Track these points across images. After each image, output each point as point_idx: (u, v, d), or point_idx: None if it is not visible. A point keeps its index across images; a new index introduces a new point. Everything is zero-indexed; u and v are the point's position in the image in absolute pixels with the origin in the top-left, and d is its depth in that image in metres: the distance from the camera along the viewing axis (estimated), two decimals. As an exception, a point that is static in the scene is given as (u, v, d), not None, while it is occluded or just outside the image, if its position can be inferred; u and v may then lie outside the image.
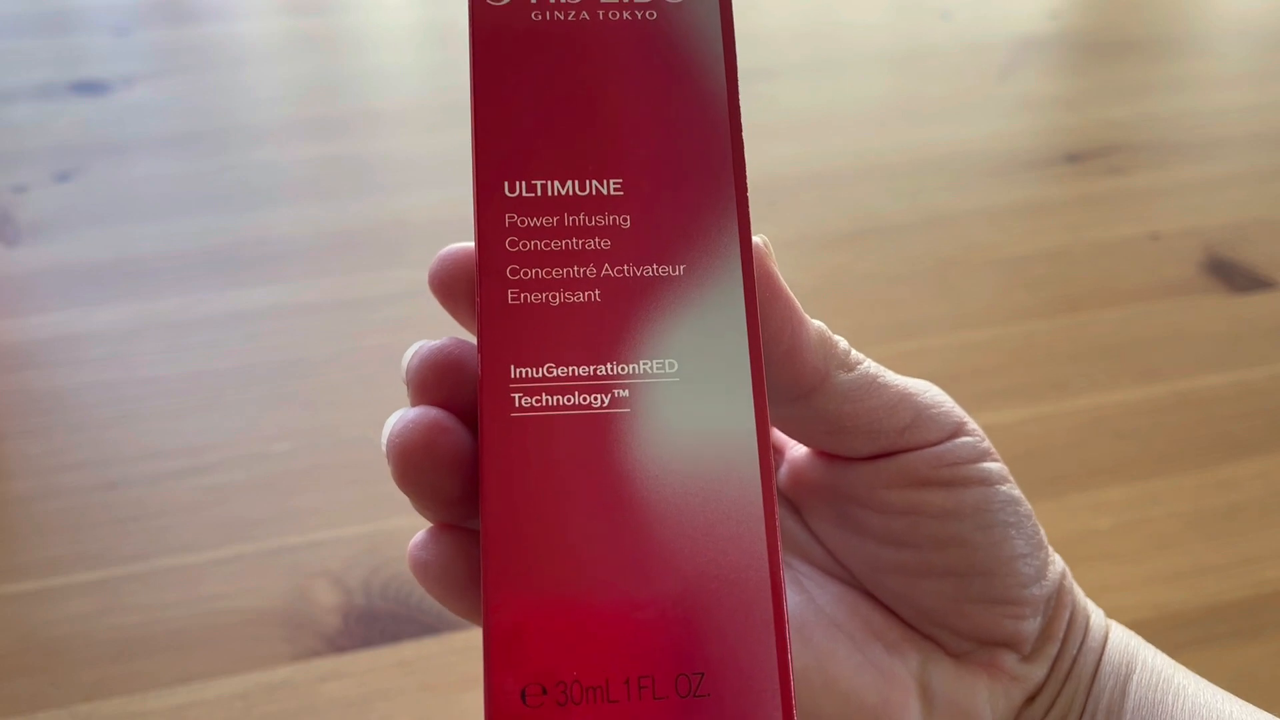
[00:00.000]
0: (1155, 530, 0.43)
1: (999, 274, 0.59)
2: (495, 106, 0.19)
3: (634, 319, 0.18)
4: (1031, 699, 0.23)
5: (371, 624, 0.39)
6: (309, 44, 0.86)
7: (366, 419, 0.48)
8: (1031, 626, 0.22)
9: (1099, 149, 0.71)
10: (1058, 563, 0.23)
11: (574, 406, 0.18)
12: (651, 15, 0.20)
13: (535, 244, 0.19)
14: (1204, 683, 0.23)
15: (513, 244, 0.19)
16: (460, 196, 0.64)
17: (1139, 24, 0.91)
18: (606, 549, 0.17)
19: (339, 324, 0.54)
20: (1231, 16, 0.95)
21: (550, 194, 0.19)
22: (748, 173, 0.19)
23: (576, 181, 0.19)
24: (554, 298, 0.18)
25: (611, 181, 0.19)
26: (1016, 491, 0.22)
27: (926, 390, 0.22)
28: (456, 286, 0.20)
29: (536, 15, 0.19)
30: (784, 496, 0.25)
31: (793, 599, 0.23)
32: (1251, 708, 0.22)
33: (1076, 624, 0.23)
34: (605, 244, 0.19)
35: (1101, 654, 0.23)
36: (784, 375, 0.21)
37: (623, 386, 0.18)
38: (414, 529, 0.43)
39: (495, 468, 0.18)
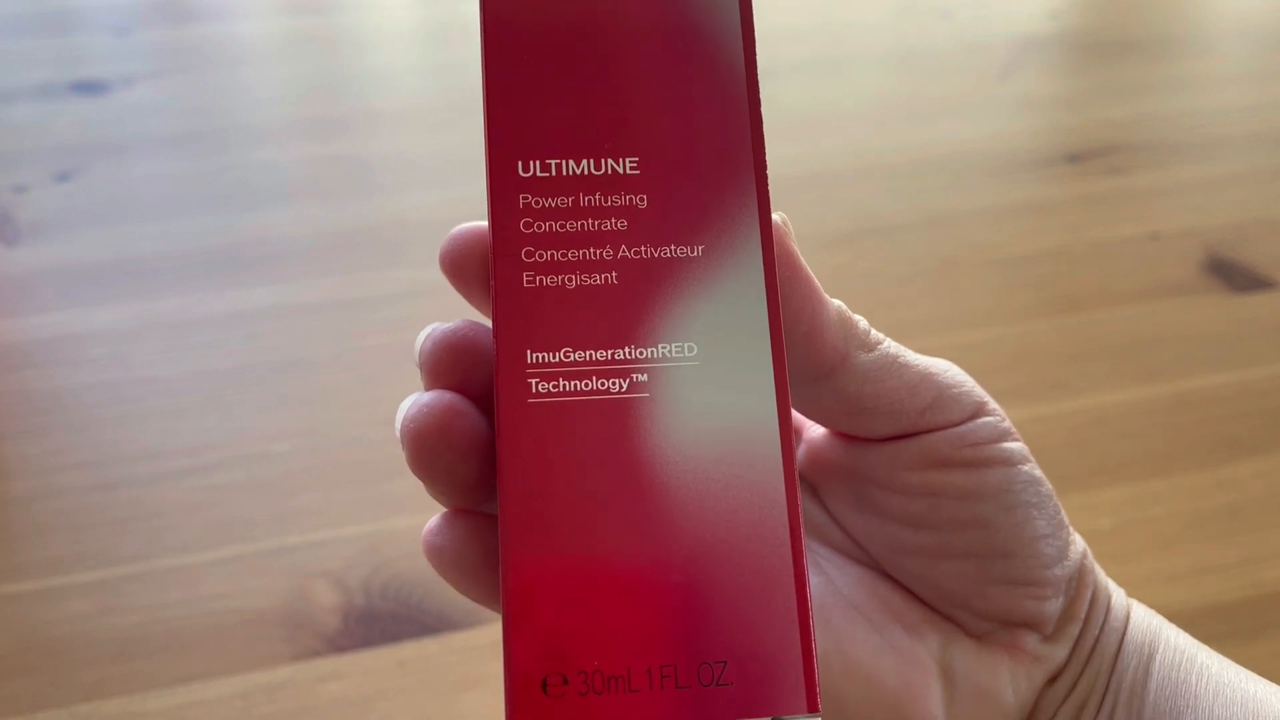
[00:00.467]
0: (1155, 530, 0.43)
1: (999, 274, 0.59)
2: (507, 83, 0.19)
3: (652, 301, 0.18)
4: (1053, 679, 0.22)
5: (371, 624, 0.39)
6: (309, 44, 0.86)
7: (366, 419, 0.48)
8: (1054, 607, 0.22)
9: (1099, 149, 0.71)
10: (1079, 543, 0.23)
11: (592, 391, 0.18)
12: None
13: (550, 225, 0.18)
14: (1227, 662, 0.22)
15: (527, 225, 0.18)
16: (461, 196, 0.64)
17: (1139, 24, 0.91)
18: (626, 536, 0.17)
19: (339, 324, 0.54)
20: (1231, 16, 0.95)
21: (565, 173, 0.18)
22: None
23: (592, 160, 0.19)
24: (570, 280, 0.18)
25: (627, 160, 0.19)
26: (1038, 471, 0.22)
27: (947, 370, 0.22)
28: (468, 266, 0.19)
29: None
30: (802, 477, 0.24)
31: (811, 581, 0.23)
32: (1276, 686, 0.22)
33: (1098, 604, 0.23)
34: (622, 224, 0.18)
35: (1124, 634, 0.23)
36: (804, 356, 0.20)
37: (641, 371, 0.18)
38: (414, 529, 0.43)
39: (513, 455, 0.17)
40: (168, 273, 0.58)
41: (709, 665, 0.17)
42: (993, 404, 0.22)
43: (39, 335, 0.53)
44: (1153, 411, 0.49)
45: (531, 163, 0.18)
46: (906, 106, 0.77)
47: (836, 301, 0.21)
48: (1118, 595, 0.24)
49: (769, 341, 0.18)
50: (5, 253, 0.59)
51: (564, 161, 0.19)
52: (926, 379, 0.21)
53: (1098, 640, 0.23)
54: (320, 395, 0.50)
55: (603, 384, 0.18)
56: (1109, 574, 0.24)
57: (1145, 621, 0.23)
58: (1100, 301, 0.57)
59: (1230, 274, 0.59)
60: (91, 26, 0.87)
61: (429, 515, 0.20)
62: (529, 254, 0.18)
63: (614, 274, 0.18)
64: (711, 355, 0.18)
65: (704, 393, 0.18)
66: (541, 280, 0.18)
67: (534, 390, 0.18)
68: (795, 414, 0.24)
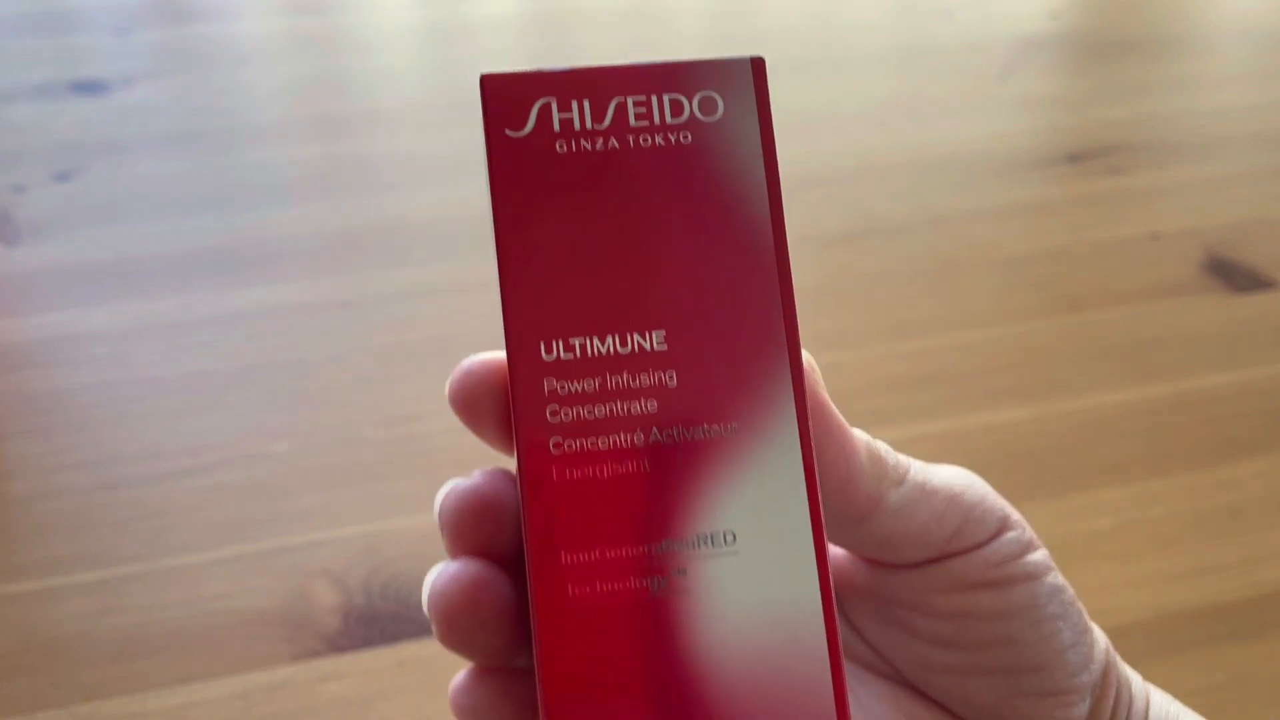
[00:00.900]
0: (1155, 530, 0.43)
1: (999, 274, 0.59)
2: (523, 254, 0.18)
3: (688, 488, 0.17)
4: None
5: (371, 624, 0.39)
6: (309, 44, 0.86)
7: (366, 419, 0.48)
8: (1080, 711, 0.22)
9: (1099, 149, 0.71)
10: (1101, 641, 0.23)
11: (630, 591, 0.17)
12: (686, 138, 0.18)
13: (578, 411, 0.17)
14: None
15: (554, 413, 0.17)
16: (461, 196, 0.64)
17: (1139, 24, 0.91)
18: None
19: (339, 324, 0.54)
20: (1231, 16, 0.95)
21: (590, 353, 0.18)
22: None
23: (617, 336, 0.18)
24: (602, 470, 0.17)
25: (654, 334, 0.18)
26: (1060, 579, 0.22)
27: (969, 487, 0.22)
28: (480, 404, 0.18)
29: (561, 146, 0.18)
30: None
31: None
32: None
33: (1122, 699, 0.23)
34: (652, 406, 0.17)
35: None
36: (838, 506, 0.20)
37: (680, 566, 0.17)
38: (414, 529, 0.43)
39: (552, 663, 0.17)
40: (168, 273, 0.58)
41: None
42: (1014, 515, 0.22)
43: (39, 335, 0.53)
44: (1153, 411, 0.49)
45: (554, 343, 0.18)
46: (906, 106, 0.77)
47: (863, 436, 0.20)
48: (1136, 683, 0.24)
49: (809, 521, 0.17)
50: (5, 253, 0.59)
51: (588, 340, 0.18)
52: (952, 504, 0.21)
53: None
54: (320, 395, 0.50)
55: (641, 583, 0.17)
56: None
57: (1163, 709, 0.24)
58: (1100, 301, 0.57)
59: (1230, 274, 0.59)
60: (91, 26, 0.87)
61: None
62: (557, 445, 0.17)
63: (647, 461, 0.17)
64: (751, 543, 0.17)
65: (746, 583, 0.17)
66: (572, 474, 0.17)
67: (570, 593, 0.17)
68: None
